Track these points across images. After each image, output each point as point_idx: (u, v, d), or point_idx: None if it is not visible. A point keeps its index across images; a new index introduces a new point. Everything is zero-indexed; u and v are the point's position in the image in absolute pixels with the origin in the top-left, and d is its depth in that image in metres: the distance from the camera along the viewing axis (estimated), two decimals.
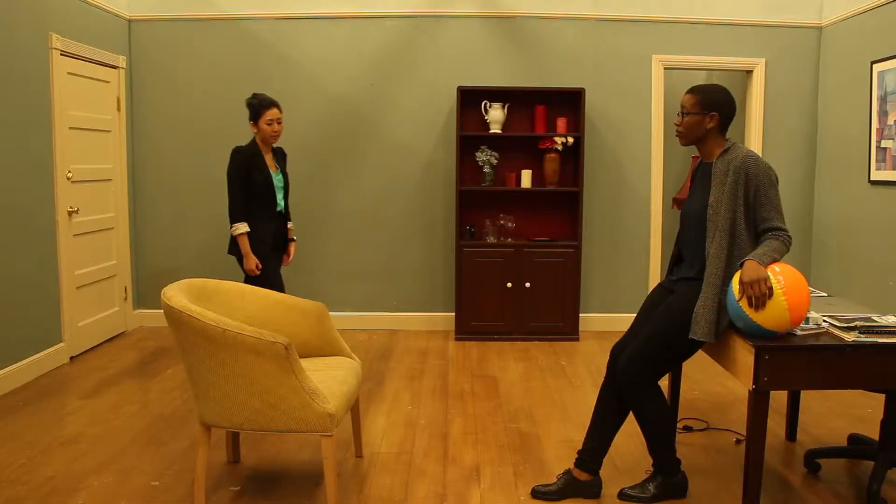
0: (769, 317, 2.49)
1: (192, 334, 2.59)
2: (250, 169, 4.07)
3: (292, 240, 4.43)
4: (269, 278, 4.13)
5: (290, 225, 4.41)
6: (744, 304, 2.52)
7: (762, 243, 2.65)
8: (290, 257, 4.42)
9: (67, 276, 4.86)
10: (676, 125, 2.86)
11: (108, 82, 5.43)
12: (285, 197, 4.29)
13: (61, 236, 4.79)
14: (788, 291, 2.47)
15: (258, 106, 4.08)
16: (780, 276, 2.50)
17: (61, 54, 4.76)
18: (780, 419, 3.76)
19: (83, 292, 5.10)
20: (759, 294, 2.48)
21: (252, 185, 4.08)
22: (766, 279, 2.48)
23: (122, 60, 5.59)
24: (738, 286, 2.55)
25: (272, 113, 4.09)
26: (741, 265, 2.58)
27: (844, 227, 5.42)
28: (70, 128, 4.90)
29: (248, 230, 4.07)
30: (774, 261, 2.57)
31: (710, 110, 2.76)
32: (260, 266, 4.08)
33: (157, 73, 5.78)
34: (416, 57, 5.74)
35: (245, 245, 4.06)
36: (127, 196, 5.72)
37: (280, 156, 4.32)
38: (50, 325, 4.72)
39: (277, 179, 4.21)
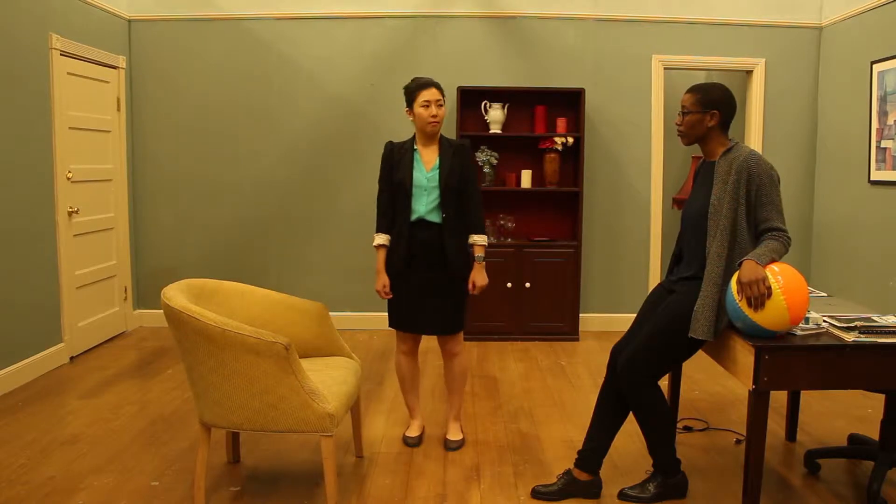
0: (768, 317, 2.49)
1: (191, 334, 2.59)
2: (392, 165, 3.36)
3: (476, 259, 3.38)
4: (396, 305, 3.40)
5: (472, 238, 3.38)
6: (743, 304, 2.52)
7: (761, 244, 2.65)
8: (474, 285, 3.39)
9: (67, 277, 4.86)
10: (677, 125, 2.85)
11: (107, 82, 5.44)
12: (440, 201, 3.29)
13: (61, 236, 4.79)
14: (787, 291, 2.47)
15: (413, 88, 3.30)
16: (780, 275, 2.50)
17: (61, 54, 4.76)
18: (780, 419, 3.76)
19: (83, 292, 5.10)
20: (758, 294, 2.48)
21: (391, 185, 3.37)
22: (765, 279, 2.48)
23: (121, 60, 5.59)
24: (736, 286, 2.55)
25: (428, 94, 3.25)
26: (739, 265, 2.58)
27: (844, 227, 5.42)
28: (70, 128, 4.90)
29: (384, 243, 3.37)
30: (773, 261, 2.57)
31: (710, 108, 2.76)
32: (387, 288, 3.38)
33: (157, 73, 5.78)
34: (416, 57, 5.73)
35: (378, 260, 3.38)
36: (127, 196, 5.72)
37: (452, 151, 3.36)
38: (50, 326, 4.72)
39: (427, 178, 3.31)
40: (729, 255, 2.68)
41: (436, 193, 3.30)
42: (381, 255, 3.39)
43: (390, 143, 3.43)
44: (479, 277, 3.38)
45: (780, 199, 2.71)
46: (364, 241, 5.82)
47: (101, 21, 5.33)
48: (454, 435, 3.51)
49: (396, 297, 3.39)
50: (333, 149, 5.82)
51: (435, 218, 3.31)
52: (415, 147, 3.38)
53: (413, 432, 3.56)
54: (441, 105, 3.29)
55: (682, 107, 2.82)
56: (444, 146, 3.38)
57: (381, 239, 3.38)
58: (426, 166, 3.34)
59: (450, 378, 3.54)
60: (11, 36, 4.31)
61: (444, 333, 3.43)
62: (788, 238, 2.68)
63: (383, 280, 3.37)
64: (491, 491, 3.02)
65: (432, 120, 3.27)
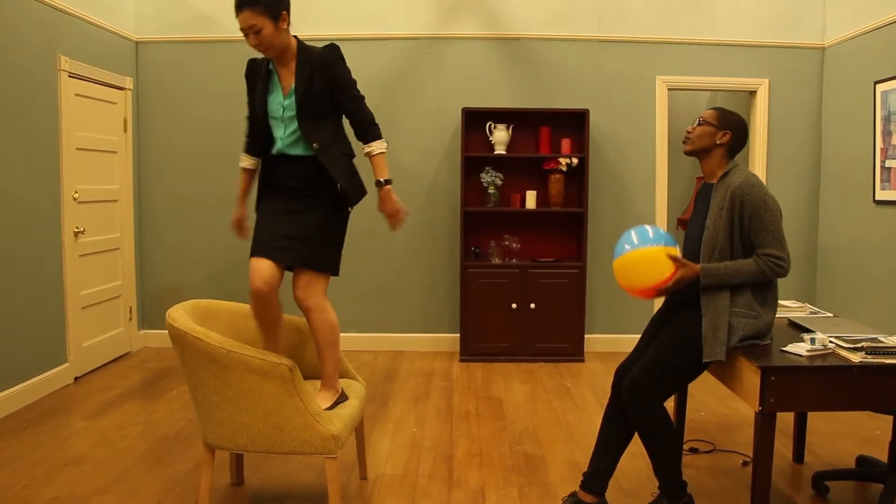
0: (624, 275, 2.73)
1: (196, 355, 2.59)
2: (250, 88, 2.89)
3: (379, 182, 2.81)
4: (258, 237, 2.83)
5: (367, 148, 2.83)
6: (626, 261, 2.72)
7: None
8: (388, 208, 2.87)
9: (73, 297, 4.88)
10: (688, 132, 2.91)
11: (115, 104, 5.48)
12: (301, 130, 2.76)
13: (67, 256, 4.81)
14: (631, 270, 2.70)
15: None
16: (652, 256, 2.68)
17: (69, 76, 4.81)
18: (786, 441, 3.74)
19: (88, 312, 5.11)
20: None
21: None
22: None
23: (129, 82, 5.65)
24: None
25: (239, 19, 2.68)
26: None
27: (849, 248, 5.41)
28: (77, 148, 4.93)
29: (244, 165, 2.95)
30: (730, 276, 2.66)
31: (725, 128, 2.82)
32: (241, 222, 3.03)
33: (164, 94, 5.83)
34: (420, 79, 5.78)
35: (238, 187, 2.95)
36: (132, 217, 5.74)
37: (310, 69, 2.76)
38: (55, 346, 4.73)
39: (284, 106, 2.78)
40: None
41: (293, 126, 2.77)
42: (241, 177, 2.96)
43: (252, 60, 2.89)
44: (388, 205, 2.77)
45: (777, 224, 2.68)
46: (369, 263, 5.85)
47: (109, 43, 5.39)
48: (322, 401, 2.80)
49: (257, 233, 2.85)
50: None
51: (298, 151, 2.80)
52: (270, 66, 2.80)
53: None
54: (258, 31, 2.65)
55: (701, 118, 2.88)
56: (302, 63, 2.74)
57: (244, 161, 2.95)
58: (284, 90, 2.79)
59: (313, 334, 2.92)
60: (20, 58, 4.35)
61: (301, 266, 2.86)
62: (777, 264, 2.65)
63: (236, 213, 3.05)
64: None
65: (258, 49, 2.70)
